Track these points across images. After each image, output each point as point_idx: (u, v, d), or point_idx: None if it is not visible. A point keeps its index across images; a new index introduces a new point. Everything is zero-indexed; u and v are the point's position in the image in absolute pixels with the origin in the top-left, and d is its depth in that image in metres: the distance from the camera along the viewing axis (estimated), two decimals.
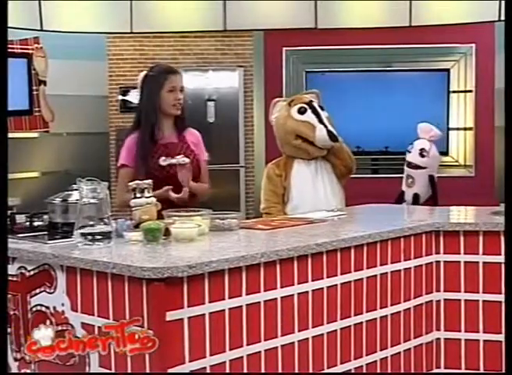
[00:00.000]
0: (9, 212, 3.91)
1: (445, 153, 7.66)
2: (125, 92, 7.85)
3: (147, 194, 3.18)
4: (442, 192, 6.52)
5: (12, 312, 2.91)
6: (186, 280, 2.47)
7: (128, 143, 3.79)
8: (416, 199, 6.39)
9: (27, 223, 3.36)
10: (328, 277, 2.94)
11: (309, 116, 4.31)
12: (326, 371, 2.94)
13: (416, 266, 3.33)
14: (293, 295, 2.81)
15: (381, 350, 3.17)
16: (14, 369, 2.92)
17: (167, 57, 7.60)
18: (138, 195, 3.18)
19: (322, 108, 4.39)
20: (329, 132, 4.24)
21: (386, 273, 3.19)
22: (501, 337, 3.37)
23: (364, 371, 3.10)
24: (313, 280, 2.88)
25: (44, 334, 2.52)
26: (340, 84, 7.76)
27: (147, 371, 2.47)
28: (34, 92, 7.32)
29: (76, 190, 3.06)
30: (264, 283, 2.71)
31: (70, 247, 2.80)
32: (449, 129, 7.80)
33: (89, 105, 7.91)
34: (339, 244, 2.96)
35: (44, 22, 7.48)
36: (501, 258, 3.35)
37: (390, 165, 7.85)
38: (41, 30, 7.40)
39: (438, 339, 3.44)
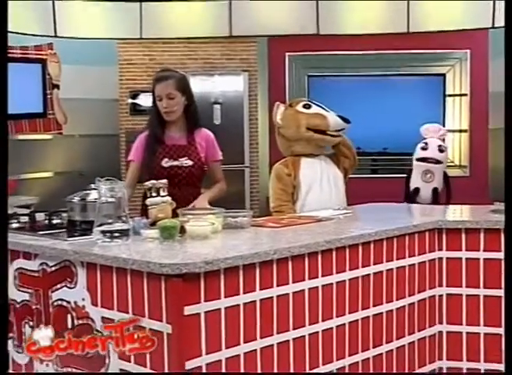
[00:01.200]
0: (29, 210, 3.92)
1: None
2: (135, 96, 7.82)
3: (162, 193, 3.17)
4: None
5: (34, 307, 2.90)
6: (202, 276, 2.45)
7: (139, 140, 3.85)
8: (435, 194, 6.41)
9: (46, 221, 3.35)
10: (337, 273, 2.92)
11: (316, 108, 4.36)
12: (335, 362, 2.93)
13: (420, 263, 3.31)
14: (304, 290, 2.79)
15: (387, 343, 3.16)
16: (36, 361, 2.90)
17: (175, 62, 7.56)
18: (154, 194, 3.18)
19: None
20: (339, 116, 4.32)
21: (392, 269, 3.17)
22: (501, 331, 3.37)
23: (371, 363, 3.09)
24: (323, 276, 2.86)
25: (43, 335, 2.49)
26: (341, 88, 7.73)
27: (166, 363, 2.46)
28: (48, 96, 7.30)
29: (94, 189, 3.06)
30: (276, 278, 2.69)
31: (90, 244, 2.78)
32: None
33: (100, 108, 7.88)
34: (347, 241, 2.95)
35: (58, 29, 7.49)
36: (501, 255, 3.34)
37: (389, 165, 7.84)
38: (55, 37, 7.40)
39: (440, 332, 3.42)
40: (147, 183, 3.22)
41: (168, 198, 3.17)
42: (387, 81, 7.91)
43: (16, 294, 2.98)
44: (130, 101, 7.83)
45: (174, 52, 7.83)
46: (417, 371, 3.31)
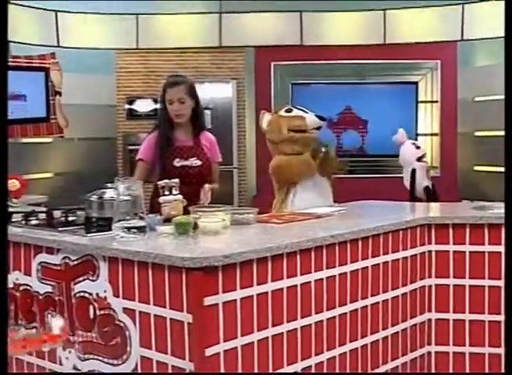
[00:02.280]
0: (46, 208, 3.85)
1: None
2: (131, 102, 7.78)
3: (174, 192, 3.13)
4: None
5: (56, 298, 2.85)
6: (221, 269, 2.42)
7: (148, 140, 3.80)
8: (434, 191, 6.46)
9: (62, 218, 3.29)
10: (339, 266, 2.90)
11: (296, 111, 4.43)
12: (338, 349, 2.91)
13: (412, 256, 3.29)
14: (310, 282, 2.77)
15: (383, 330, 3.14)
16: (59, 349, 2.85)
17: (168, 70, 7.46)
18: (166, 193, 3.14)
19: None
20: (317, 115, 4.40)
21: (387, 261, 3.15)
22: (485, 317, 3.38)
23: (369, 348, 3.07)
24: (327, 268, 2.84)
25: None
26: (322, 95, 7.71)
27: (187, 350, 2.42)
28: (51, 102, 7.20)
29: (110, 188, 3.01)
30: (286, 271, 2.66)
31: (110, 239, 2.74)
32: (417, 134, 7.79)
33: (99, 113, 7.81)
34: (349, 236, 2.93)
35: (60, 39, 7.44)
36: (485, 248, 3.36)
37: (366, 166, 7.85)
38: (57, 47, 7.34)
39: (430, 319, 3.41)
40: (160, 182, 3.18)
41: (180, 197, 3.13)
42: (365, 88, 7.92)
43: (39, 286, 2.92)
44: (127, 106, 7.79)
45: (167, 61, 7.79)
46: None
